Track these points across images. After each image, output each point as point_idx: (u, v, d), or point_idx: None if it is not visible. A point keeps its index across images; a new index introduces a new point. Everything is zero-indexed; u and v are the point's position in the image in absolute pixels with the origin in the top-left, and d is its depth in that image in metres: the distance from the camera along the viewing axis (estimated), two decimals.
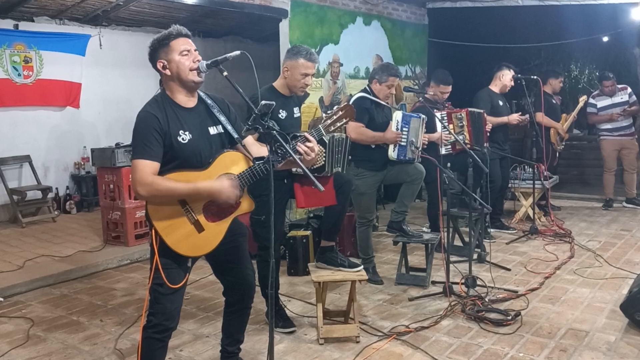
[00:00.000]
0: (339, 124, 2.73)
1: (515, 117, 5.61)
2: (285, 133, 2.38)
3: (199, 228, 2.34)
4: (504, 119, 5.59)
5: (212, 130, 2.42)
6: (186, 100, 2.38)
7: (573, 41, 8.63)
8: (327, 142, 3.19)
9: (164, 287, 2.32)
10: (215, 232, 2.38)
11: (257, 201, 3.28)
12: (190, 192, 2.28)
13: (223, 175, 2.34)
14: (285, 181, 3.31)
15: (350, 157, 3.54)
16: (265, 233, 3.24)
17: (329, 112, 2.79)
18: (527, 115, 5.72)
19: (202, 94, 2.47)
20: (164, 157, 2.29)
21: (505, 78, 5.61)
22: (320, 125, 2.71)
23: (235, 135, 2.45)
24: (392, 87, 4.20)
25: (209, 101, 2.47)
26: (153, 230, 2.30)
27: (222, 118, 2.45)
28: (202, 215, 2.35)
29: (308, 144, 2.44)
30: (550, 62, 10.13)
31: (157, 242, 2.29)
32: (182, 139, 2.31)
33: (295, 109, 3.46)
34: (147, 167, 2.23)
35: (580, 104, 6.61)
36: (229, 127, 2.46)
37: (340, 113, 2.73)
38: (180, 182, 2.26)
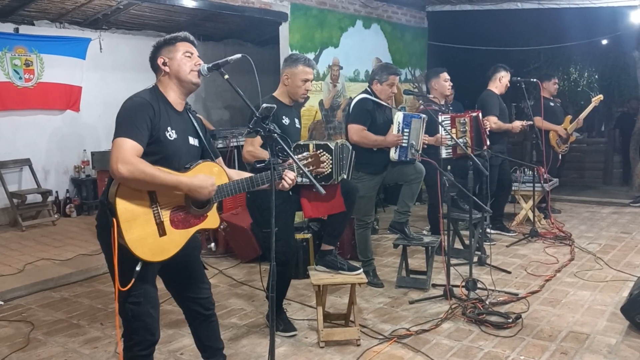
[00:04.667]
0: (307, 169, 2.61)
1: (518, 125, 5.62)
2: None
3: (162, 231, 2.23)
4: (508, 126, 5.60)
5: (191, 141, 2.41)
6: (177, 102, 2.38)
7: (572, 44, 8.66)
8: (332, 148, 3.19)
9: (141, 305, 2.26)
10: (176, 239, 2.27)
11: (269, 213, 3.27)
12: (172, 183, 2.20)
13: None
14: (290, 193, 3.29)
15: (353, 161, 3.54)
16: (280, 247, 3.12)
17: (304, 154, 2.69)
18: (530, 122, 5.72)
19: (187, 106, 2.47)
20: (147, 150, 2.21)
21: (504, 80, 5.63)
22: (294, 165, 2.61)
23: (211, 155, 2.45)
24: (394, 86, 4.21)
25: (190, 114, 2.47)
26: (115, 222, 2.12)
27: (200, 134, 2.45)
28: (168, 218, 2.25)
29: (293, 175, 2.44)
30: (550, 65, 10.15)
31: (115, 239, 2.13)
32: (169, 135, 2.28)
33: (296, 120, 3.51)
34: (134, 148, 2.14)
35: (594, 104, 6.40)
36: (204, 144, 2.45)
37: (310, 160, 2.66)
38: (164, 171, 2.20)
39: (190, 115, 2.46)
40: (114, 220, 2.12)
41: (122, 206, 2.14)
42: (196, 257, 2.55)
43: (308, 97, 6.34)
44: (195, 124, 2.45)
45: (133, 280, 2.19)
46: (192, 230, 2.32)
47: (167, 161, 2.27)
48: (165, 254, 2.24)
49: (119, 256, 2.15)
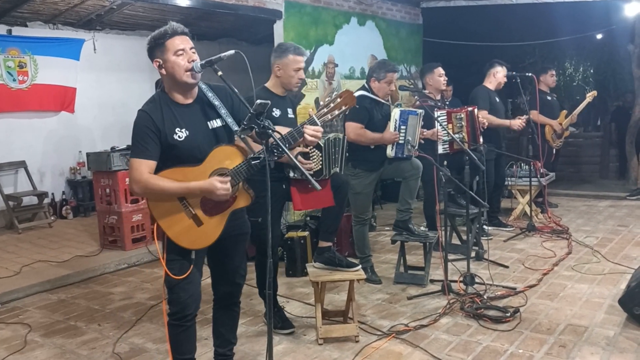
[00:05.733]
0: (337, 112, 2.50)
1: (517, 123, 5.58)
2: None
3: (198, 222, 2.40)
4: (506, 122, 5.58)
5: (212, 125, 2.44)
6: (183, 98, 2.41)
7: (567, 39, 8.66)
8: (322, 145, 3.19)
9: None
10: (214, 225, 2.42)
11: (253, 203, 3.27)
12: (182, 192, 2.34)
13: (216, 170, 2.35)
14: (284, 186, 3.30)
15: (347, 154, 3.52)
16: (263, 236, 3.22)
17: (326, 99, 2.57)
18: (527, 116, 5.71)
19: (203, 86, 2.47)
20: (165, 154, 2.34)
21: (499, 75, 5.62)
22: (314, 115, 2.51)
23: (235, 128, 2.45)
24: (392, 84, 4.20)
25: (210, 94, 2.46)
26: (156, 224, 2.38)
27: (223, 111, 2.46)
28: (200, 209, 2.40)
29: (315, 127, 2.45)
30: (545, 59, 10.14)
31: (161, 234, 2.38)
32: (179, 136, 2.34)
33: (289, 110, 3.46)
34: (142, 166, 2.30)
35: (588, 100, 6.39)
36: (229, 120, 2.46)
37: (339, 100, 2.49)
38: (173, 180, 2.32)
39: (209, 95, 2.45)
40: (155, 224, 2.39)
41: (157, 209, 2.38)
42: (240, 243, 2.63)
43: (305, 83, 6.31)
44: (216, 103, 2.45)
45: (191, 266, 2.42)
46: (227, 213, 2.44)
47: (189, 159, 2.36)
48: (208, 240, 2.43)
49: (171, 245, 2.39)
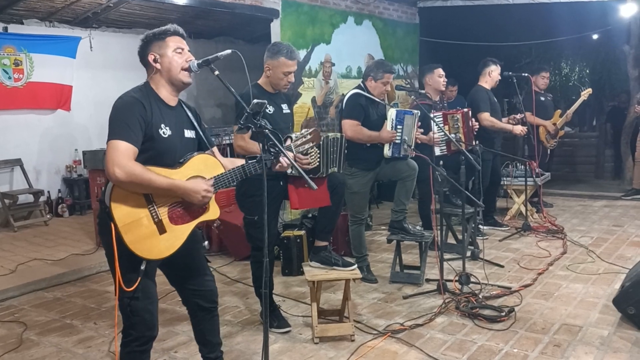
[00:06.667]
0: (306, 146, 2.76)
1: (519, 129, 5.60)
2: (276, 129, 2.40)
3: (161, 229, 2.23)
4: (508, 127, 5.60)
5: (187, 134, 2.40)
6: (169, 98, 2.37)
7: (563, 39, 8.69)
8: (321, 143, 3.19)
9: (139, 300, 2.24)
10: (177, 235, 2.26)
11: (250, 201, 3.29)
12: (168, 187, 2.19)
13: (197, 177, 2.29)
14: (281, 183, 3.31)
15: (346, 151, 3.53)
16: (259, 233, 3.24)
17: (299, 133, 2.81)
18: (521, 115, 5.73)
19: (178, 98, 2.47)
20: (144, 149, 2.21)
21: (494, 74, 5.59)
22: (292, 144, 2.72)
23: (207, 145, 2.46)
24: (387, 84, 4.20)
25: (184, 106, 2.47)
26: (112, 226, 2.14)
27: (196, 124, 2.45)
28: (167, 216, 2.25)
29: (291, 155, 2.51)
30: (541, 60, 10.16)
31: (115, 240, 2.15)
32: (163, 132, 2.27)
33: (284, 105, 3.46)
34: (129, 150, 2.13)
35: (583, 98, 6.36)
36: (201, 134, 2.45)
37: (309, 137, 2.75)
38: (159, 175, 2.18)
39: (184, 107, 2.45)
40: (112, 224, 2.13)
41: (119, 209, 2.15)
42: (198, 250, 2.54)
43: (300, 94, 6.33)
44: (190, 115, 2.44)
45: (139, 279, 2.20)
46: (193, 224, 2.32)
47: (161, 157, 2.26)
48: (167, 250, 2.24)
49: (122, 255, 2.15)
